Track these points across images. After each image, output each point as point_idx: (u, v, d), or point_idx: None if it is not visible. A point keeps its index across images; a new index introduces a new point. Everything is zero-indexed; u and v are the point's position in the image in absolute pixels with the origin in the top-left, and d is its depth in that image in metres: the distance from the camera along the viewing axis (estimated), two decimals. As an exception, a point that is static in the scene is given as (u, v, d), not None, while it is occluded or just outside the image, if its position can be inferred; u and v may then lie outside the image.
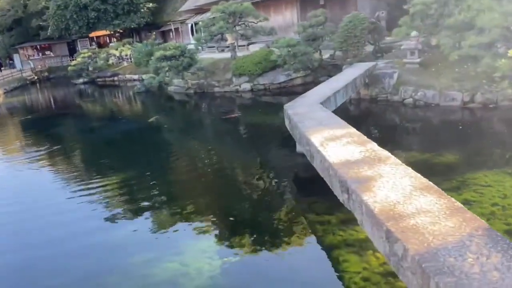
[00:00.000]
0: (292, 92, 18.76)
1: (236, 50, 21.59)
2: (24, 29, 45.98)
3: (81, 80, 33.68)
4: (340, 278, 4.96)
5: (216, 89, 20.44)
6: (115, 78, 32.41)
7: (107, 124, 17.06)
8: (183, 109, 19.59)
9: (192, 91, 20.97)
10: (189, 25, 36.38)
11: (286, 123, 8.95)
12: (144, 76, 29.41)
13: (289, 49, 17.41)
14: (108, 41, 48.39)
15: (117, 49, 32.76)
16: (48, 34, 41.82)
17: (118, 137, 14.28)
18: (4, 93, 32.95)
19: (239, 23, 20.82)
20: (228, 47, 29.02)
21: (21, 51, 48.12)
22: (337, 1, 22.97)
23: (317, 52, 19.21)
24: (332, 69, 19.59)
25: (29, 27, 44.96)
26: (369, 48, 18.16)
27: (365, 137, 6.39)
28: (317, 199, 7.08)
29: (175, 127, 15.61)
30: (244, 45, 26.03)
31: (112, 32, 43.27)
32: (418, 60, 13.77)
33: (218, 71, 21.01)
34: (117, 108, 22.02)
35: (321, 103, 9.09)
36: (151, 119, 15.61)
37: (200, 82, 20.67)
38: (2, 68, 41.20)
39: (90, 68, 34.02)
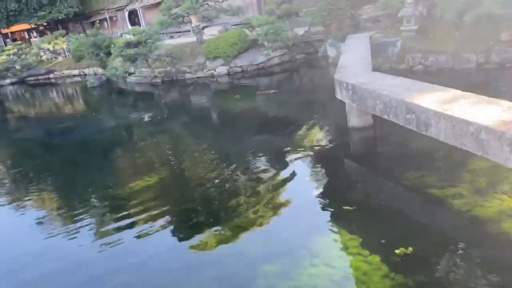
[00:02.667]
0: (271, 72, 17.85)
1: (202, 33, 20.03)
2: None
3: (8, 81, 29.57)
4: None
5: (188, 76, 18.83)
6: (51, 76, 28.87)
7: (87, 126, 14.12)
8: (170, 100, 16.81)
9: (159, 80, 19.11)
10: (126, 13, 33.69)
11: (343, 94, 8.07)
12: (86, 70, 26.70)
13: (270, 27, 16.43)
14: (27, 36, 43.38)
15: (49, 43, 29.14)
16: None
17: (125, 143, 11.53)
18: None
19: (204, 3, 19.28)
20: (179, 32, 27.40)
21: None
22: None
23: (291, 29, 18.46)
24: (304, 46, 19.01)
25: None
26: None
27: (485, 96, 5.76)
28: (422, 173, 6.36)
29: (189, 121, 13.12)
30: (197, 29, 24.50)
31: (33, 26, 38.67)
32: (415, 27, 13.56)
33: (185, 56, 19.36)
34: (81, 107, 19.02)
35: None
36: (146, 117, 12.95)
37: (168, 69, 18.90)
38: None
39: (18, 67, 30.02)
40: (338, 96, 8.32)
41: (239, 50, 18.04)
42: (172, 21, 18.89)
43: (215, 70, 18.36)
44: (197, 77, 18.66)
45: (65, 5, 33.24)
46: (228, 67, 18.12)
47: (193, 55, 19.34)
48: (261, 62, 18.04)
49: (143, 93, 18.76)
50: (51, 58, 30.83)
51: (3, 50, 31.15)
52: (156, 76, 19.15)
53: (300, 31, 19.07)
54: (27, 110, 20.42)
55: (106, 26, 35.22)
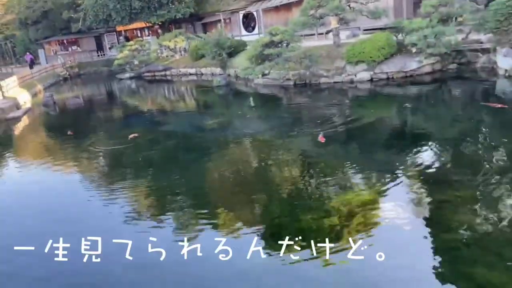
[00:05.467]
0: (421, 81, 15.98)
1: (340, 35, 18.77)
2: (51, 22, 42.92)
3: (127, 75, 30.84)
4: None
5: (323, 80, 17.64)
6: (167, 73, 29.53)
7: (240, 124, 12.89)
8: (319, 107, 14.32)
9: (291, 83, 18.16)
10: (241, 16, 33.67)
11: None
12: (203, 70, 26.77)
13: (431, 31, 14.70)
14: (139, 34, 45.47)
15: (169, 41, 29.80)
16: (80, 27, 38.88)
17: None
18: (44, 89, 30.02)
19: (347, 3, 18.03)
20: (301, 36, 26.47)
21: (46, 46, 45.15)
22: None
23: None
24: (456, 55, 16.90)
25: (57, 20, 41.89)
26: None
27: None
28: None
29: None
30: (322, 33, 23.36)
31: (147, 25, 40.33)
32: None
33: (321, 59, 18.17)
34: (217, 105, 18.32)
35: None
36: (319, 135, 9.88)
37: (302, 72, 17.86)
38: (33, 65, 37.83)
39: (136, 62, 31.18)
40: None
41: (386, 55, 16.50)
42: (313, 21, 17.86)
43: (355, 75, 16.98)
44: (334, 82, 17.40)
45: (183, 5, 34.03)
46: (372, 72, 16.63)
47: (330, 58, 18.13)
48: (411, 70, 16.30)
49: (275, 96, 17.83)
50: (167, 56, 31.62)
51: (124, 46, 32.54)
52: (288, 79, 18.23)
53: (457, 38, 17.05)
54: (164, 104, 20.72)
55: (219, 28, 35.51)
